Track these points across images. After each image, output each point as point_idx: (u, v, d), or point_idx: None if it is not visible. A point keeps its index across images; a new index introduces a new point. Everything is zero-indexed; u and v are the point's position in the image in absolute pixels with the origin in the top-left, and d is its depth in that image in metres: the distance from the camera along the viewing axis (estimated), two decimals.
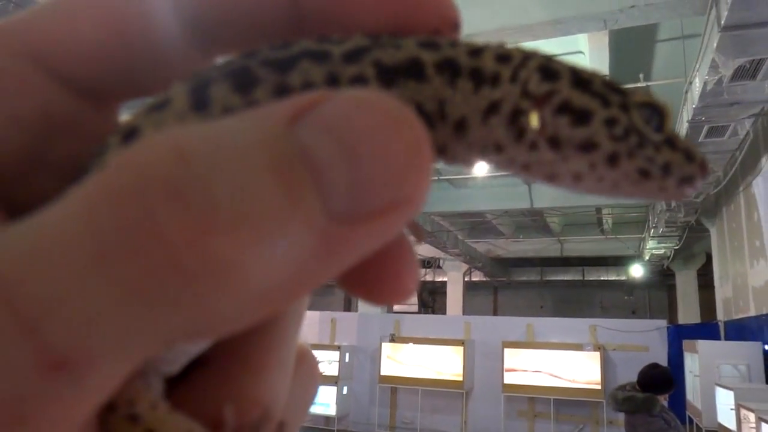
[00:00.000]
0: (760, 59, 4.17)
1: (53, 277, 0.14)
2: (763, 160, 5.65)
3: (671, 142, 0.26)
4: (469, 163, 0.26)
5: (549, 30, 4.32)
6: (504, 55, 0.25)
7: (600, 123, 0.24)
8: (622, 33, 5.22)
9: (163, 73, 0.23)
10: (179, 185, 0.14)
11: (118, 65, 0.23)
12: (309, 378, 0.28)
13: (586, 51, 5.54)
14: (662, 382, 3.89)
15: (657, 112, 0.26)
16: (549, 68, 0.25)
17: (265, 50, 0.23)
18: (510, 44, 0.26)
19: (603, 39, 5.12)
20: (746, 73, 4.38)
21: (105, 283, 0.14)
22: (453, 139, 0.25)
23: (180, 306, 0.14)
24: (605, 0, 4.06)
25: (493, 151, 0.25)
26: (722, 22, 3.77)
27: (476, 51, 0.25)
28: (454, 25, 0.27)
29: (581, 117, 0.24)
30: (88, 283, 0.14)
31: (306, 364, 0.27)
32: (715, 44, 4.01)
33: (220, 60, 0.24)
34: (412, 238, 0.26)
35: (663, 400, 3.84)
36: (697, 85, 4.75)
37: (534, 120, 0.24)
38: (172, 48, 0.23)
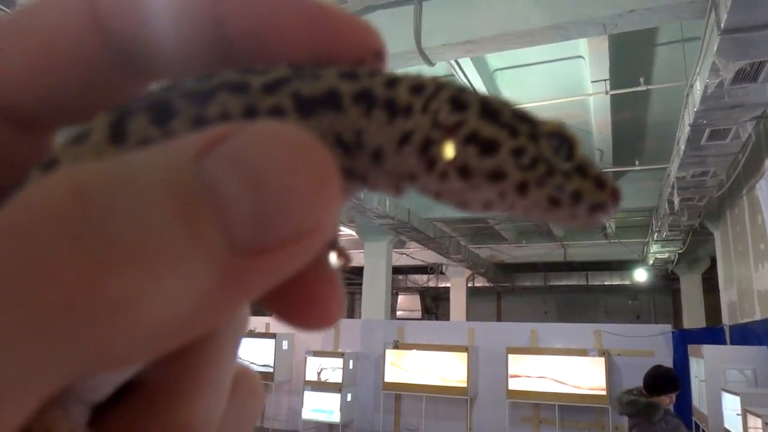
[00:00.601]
0: (761, 62, 4.16)
1: None
2: (766, 162, 5.63)
3: (581, 170, 0.26)
4: (390, 190, 0.27)
5: (549, 35, 4.32)
6: (418, 86, 0.26)
7: (507, 153, 0.25)
8: (621, 37, 5.22)
9: (93, 101, 0.24)
10: (74, 223, 0.14)
11: (47, 94, 0.23)
12: (250, 397, 0.27)
13: (586, 56, 5.54)
14: (666, 381, 3.88)
15: (566, 142, 0.26)
16: (459, 99, 0.25)
17: (187, 82, 0.23)
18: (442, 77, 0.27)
19: (603, 43, 5.12)
20: (747, 75, 4.37)
21: None
22: (371, 168, 0.25)
23: (76, 344, 0.14)
24: (604, 5, 4.07)
25: (407, 179, 0.25)
26: (722, 25, 3.77)
27: (392, 82, 0.26)
28: (379, 54, 0.27)
29: (489, 147, 0.24)
30: None
31: (246, 383, 0.27)
32: (715, 47, 4.00)
33: (151, 86, 0.24)
34: (336, 261, 0.27)
35: (669, 403, 3.80)
36: (698, 89, 4.75)
37: (443, 150, 0.25)
38: (101, 76, 0.23)
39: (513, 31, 4.28)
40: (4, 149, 0.23)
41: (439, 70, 5.83)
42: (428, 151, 0.25)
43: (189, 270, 0.15)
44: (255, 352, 10.11)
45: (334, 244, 0.28)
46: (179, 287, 0.15)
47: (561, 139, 0.26)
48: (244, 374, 0.27)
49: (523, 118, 0.26)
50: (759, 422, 4.48)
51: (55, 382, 0.15)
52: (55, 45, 0.22)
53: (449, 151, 0.24)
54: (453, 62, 5.51)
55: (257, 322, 10.51)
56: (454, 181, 0.24)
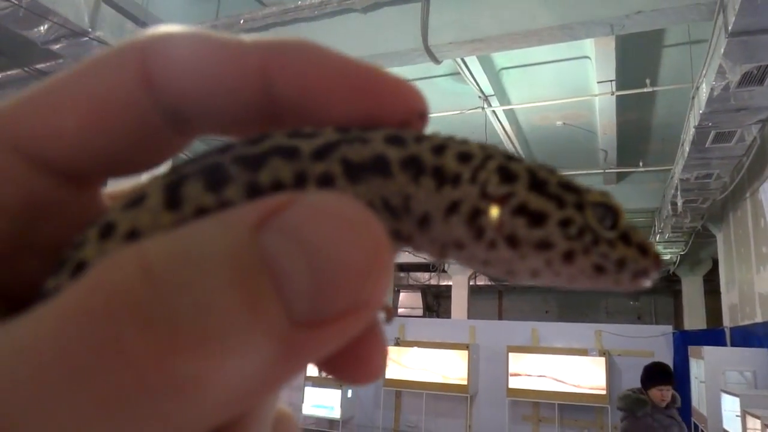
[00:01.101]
0: (767, 65, 4.16)
1: (26, 395, 0.14)
2: None
3: (625, 238, 0.27)
4: (435, 256, 0.27)
5: (556, 35, 4.33)
6: (466, 154, 0.26)
7: (555, 224, 0.25)
8: (628, 38, 5.22)
9: (142, 156, 0.25)
10: (144, 306, 0.15)
11: (98, 150, 0.24)
12: None
13: (592, 56, 5.54)
14: (653, 373, 3.92)
15: (611, 211, 0.27)
16: (508, 169, 0.26)
17: (238, 145, 0.23)
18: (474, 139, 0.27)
19: (610, 44, 5.13)
20: (753, 78, 4.37)
21: (74, 402, 0.14)
22: (417, 232, 0.26)
23: (149, 420, 0.15)
24: (612, 5, 4.08)
25: (454, 247, 0.26)
26: (729, 27, 3.77)
27: (439, 148, 0.26)
28: (422, 116, 0.27)
29: (537, 218, 0.25)
30: (59, 402, 0.14)
31: (284, 426, 0.28)
32: (722, 50, 4.01)
33: (199, 144, 0.25)
34: (382, 318, 0.28)
35: (661, 399, 3.79)
36: (704, 91, 4.75)
37: (492, 221, 0.25)
38: (150, 133, 0.24)
39: (520, 30, 4.29)
40: (54, 203, 0.24)
41: (445, 68, 5.85)
42: (477, 220, 0.25)
43: (253, 345, 0.16)
44: None
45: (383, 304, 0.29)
46: (244, 362, 0.16)
47: (606, 208, 0.26)
48: (283, 417, 0.28)
49: (569, 187, 0.27)
50: (758, 423, 4.50)
51: None
52: (108, 104, 0.23)
53: (498, 221, 0.25)
54: (459, 60, 5.52)
55: None
56: (502, 250, 0.25)
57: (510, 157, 0.27)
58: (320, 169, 0.23)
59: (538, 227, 0.25)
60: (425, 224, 0.25)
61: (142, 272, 0.16)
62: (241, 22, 5.23)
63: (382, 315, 0.28)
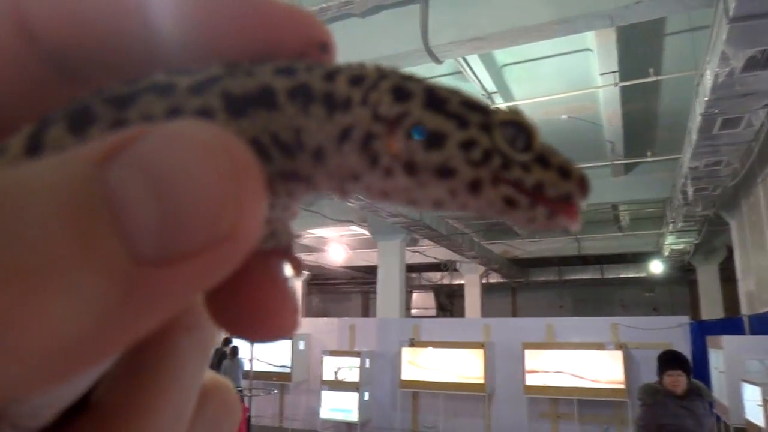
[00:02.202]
0: None
1: None
2: None
3: (542, 159, 0.24)
4: (335, 192, 0.25)
5: (557, 29, 4.31)
6: (358, 77, 0.24)
7: (455, 146, 0.23)
8: (629, 29, 5.19)
9: (31, 110, 0.23)
10: None
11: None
12: (222, 412, 0.26)
13: (594, 48, 5.52)
14: (664, 359, 3.92)
15: (523, 130, 0.24)
16: (402, 88, 0.24)
17: (113, 86, 0.22)
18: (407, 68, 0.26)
19: (611, 36, 5.10)
20: (758, 63, 4.33)
21: None
22: (314, 169, 0.24)
23: None
24: None
25: (351, 179, 0.24)
26: (730, 13, 3.74)
27: (331, 74, 0.24)
28: (322, 46, 0.26)
29: (434, 140, 0.23)
30: None
31: (218, 397, 0.26)
32: (724, 36, 3.97)
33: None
34: (288, 270, 0.26)
35: (672, 385, 3.72)
36: (708, 78, 4.71)
37: (386, 145, 0.23)
38: (37, 86, 0.23)
39: (520, 27, 4.28)
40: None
41: (447, 67, 5.84)
42: (370, 146, 0.23)
43: (85, 285, 0.14)
44: (272, 353, 10.20)
45: (285, 252, 0.26)
46: (72, 305, 0.14)
47: (517, 127, 0.24)
48: (216, 387, 0.26)
49: (473, 106, 0.24)
50: None
51: None
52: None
53: (392, 145, 0.23)
54: (461, 59, 5.52)
55: None
56: (400, 178, 0.23)
57: (408, 77, 0.25)
58: (197, 103, 0.22)
59: (435, 150, 0.22)
60: (320, 158, 0.24)
61: None
62: None
63: (287, 267, 0.26)
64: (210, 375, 0.26)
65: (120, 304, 0.15)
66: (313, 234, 12.36)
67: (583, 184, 0.24)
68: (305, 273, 14.45)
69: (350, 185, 0.24)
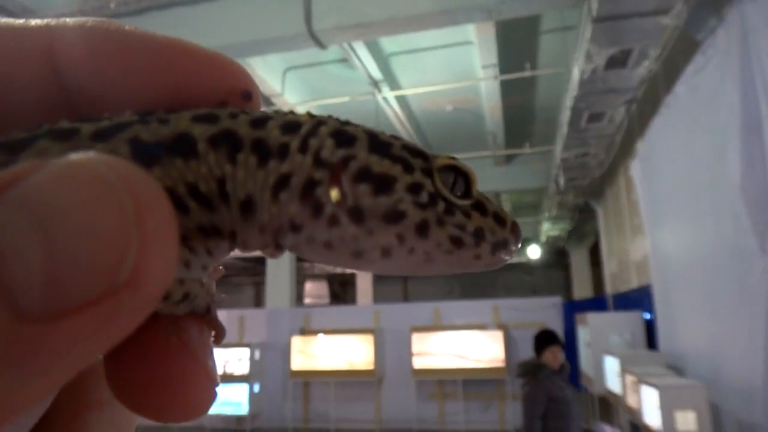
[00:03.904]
0: (630, 49, 4.49)
1: None
2: (638, 144, 6.12)
3: (480, 206, 0.24)
4: (267, 250, 0.23)
5: (437, 20, 4.41)
6: (292, 123, 0.23)
7: (404, 189, 0.22)
8: (508, 24, 5.44)
9: None
10: None
11: None
12: None
13: (475, 42, 5.72)
14: (543, 337, 4.22)
15: (462, 176, 0.24)
16: (344, 132, 0.23)
17: (15, 132, 0.20)
18: (306, 108, 0.25)
19: (490, 30, 5.31)
20: (618, 62, 4.70)
21: None
22: (241, 221, 0.22)
23: None
24: None
25: (289, 230, 0.22)
26: (594, 14, 4.02)
27: (260, 121, 0.23)
28: (246, 94, 0.24)
29: (383, 184, 0.22)
30: None
31: None
32: (588, 35, 4.27)
33: None
34: (206, 338, 0.23)
35: (554, 362, 4.02)
36: (575, 75, 5.05)
37: (330, 191, 0.22)
38: None
39: (402, 15, 4.33)
40: None
41: (333, 54, 5.80)
42: (312, 193, 0.22)
43: None
44: None
45: (204, 317, 0.23)
46: None
47: (456, 172, 0.24)
48: None
49: (415, 151, 0.24)
50: (634, 380, 4.91)
51: None
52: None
53: (337, 191, 0.22)
54: (347, 47, 5.49)
55: None
56: (346, 227, 0.22)
57: (345, 122, 0.24)
58: (100, 150, 0.19)
59: (384, 194, 0.22)
60: (249, 210, 0.22)
61: None
62: (112, 5, 4.89)
63: (206, 333, 0.23)
64: None
65: (2, 366, 0.13)
66: None
67: (515, 231, 0.25)
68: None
69: (290, 238, 0.22)
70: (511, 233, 0.25)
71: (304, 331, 9.55)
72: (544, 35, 6.21)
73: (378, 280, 16.81)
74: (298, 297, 14.40)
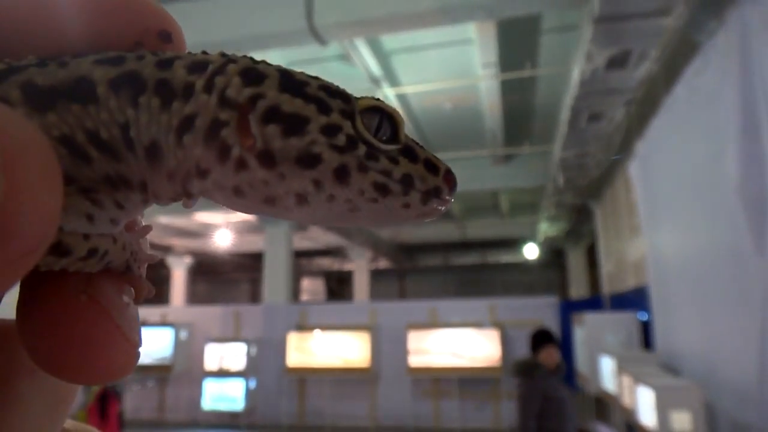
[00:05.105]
0: (630, 50, 4.49)
1: None
2: (637, 144, 6.12)
3: (409, 152, 0.22)
4: (179, 198, 0.22)
5: (437, 18, 4.41)
6: (200, 62, 0.22)
7: (318, 130, 0.21)
8: (508, 23, 5.43)
9: None
10: None
11: None
12: None
13: (476, 40, 5.72)
14: (539, 337, 4.22)
15: (388, 119, 0.22)
16: (253, 70, 0.21)
17: None
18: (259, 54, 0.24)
19: (491, 29, 5.30)
20: (618, 62, 4.71)
21: None
22: (149, 170, 0.21)
23: None
24: None
25: (196, 176, 0.21)
26: (595, 14, 4.02)
27: (166, 61, 0.21)
28: (163, 34, 0.23)
29: (294, 124, 0.20)
30: None
31: None
32: (589, 36, 4.27)
33: None
34: (125, 296, 0.22)
35: (550, 362, 4.03)
36: (576, 75, 5.05)
37: (237, 132, 0.20)
38: None
39: (403, 13, 4.33)
40: None
41: (333, 50, 5.79)
42: (217, 136, 0.20)
43: None
44: (150, 344, 9.68)
45: (124, 274, 0.22)
46: None
47: (381, 115, 0.22)
48: None
49: (334, 92, 0.22)
50: (630, 380, 4.92)
51: None
52: None
53: (244, 132, 0.20)
54: (348, 44, 5.49)
55: (151, 313, 10.06)
56: (255, 171, 0.20)
57: (259, 61, 0.22)
58: None
59: (296, 136, 0.20)
60: (155, 156, 0.20)
61: None
62: None
63: (127, 292, 0.22)
64: (72, 423, 0.22)
65: None
66: (199, 220, 11.85)
67: (449, 179, 0.23)
68: (188, 261, 14.05)
69: (197, 184, 0.21)
70: (445, 181, 0.23)
71: (301, 328, 9.56)
72: (545, 35, 6.20)
73: (375, 277, 16.81)
74: (295, 293, 14.40)
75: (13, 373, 0.19)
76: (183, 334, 10.00)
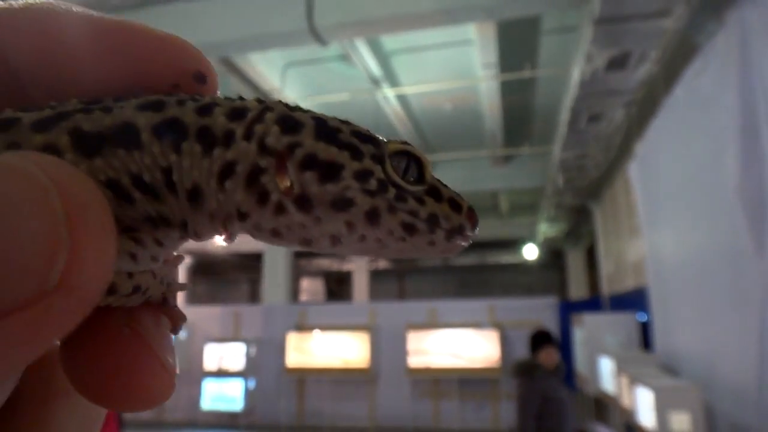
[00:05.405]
0: (629, 51, 4.50)
1: None
2: (636, 145, 6.13)
3: (434, 192, 0.24)
4: (220, 235, 0.23)
5: (438, 19, 4.41)
6: (238, 109, 0.23)
7: (351, 176, 0.22)
8: (508, 24, 5.44)
9: None
10: None
11: None
12: None
13: (476, 41, 5.72)
14: (539, 337, 4.22)
15: (414, 161, 0.24)
16: (290, 119, 0.23)
17: None
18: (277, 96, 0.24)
19: (491, 30, 5.31)
20: (618, 64, 4.72)
21: None
22: (190, 211, 0.22)
23: None
24: None
25: (237, 218, 0.22)
26: (595, 15, 4.03)
27: (206, 108, 0.22)
28: (198, 76, 0.23)
29: (329, 171, 0.22)
30: None
31: None
32: (589, 37, 4.28)
33: None
34: (163, 327, 0.23)
35: (550, 362, 4.04)
36: (576, 76, 5.06)
37: (276, 179, 0.22)
38: None
39: (403, 13, 4.33)
40: None
41: (334, 51, 5.80)
42: (257, 181, 0.21)
43: None
44: None
45: (161, 306, 0.24)
46: None
47: (409, 158, 0.24)
48: None
49: (365, 137, 0.23)
50: (629, 380, 4.93)
51: None
52: None
53: (283, 179, 0.22)
54: (348, 44, 5.49)
55: None
56: (293, 215, 0.21)
57: (294, 108, 0.24)
58: (39, 140, 0.19)
59: (331, 182, 0.21)
60: (197, 199, 0.21)
61: None
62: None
63: (164, 323, 0.23)
64: None
65: None
66: None
67: (472, 216, 0.25)
68: (187, 261, 14.08)
69: (237, 225, 0.22)
70: (467, 219, 0.24)
71: (300, 328, 9.56)
72: (545, 36, 6.21)
73: (374, 277, 16.81)
74: (294, 294, 14.40)
75: (51, 396, 0.20)
76: (182, 334, 10.00)
